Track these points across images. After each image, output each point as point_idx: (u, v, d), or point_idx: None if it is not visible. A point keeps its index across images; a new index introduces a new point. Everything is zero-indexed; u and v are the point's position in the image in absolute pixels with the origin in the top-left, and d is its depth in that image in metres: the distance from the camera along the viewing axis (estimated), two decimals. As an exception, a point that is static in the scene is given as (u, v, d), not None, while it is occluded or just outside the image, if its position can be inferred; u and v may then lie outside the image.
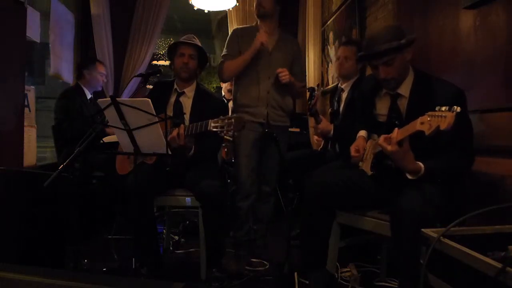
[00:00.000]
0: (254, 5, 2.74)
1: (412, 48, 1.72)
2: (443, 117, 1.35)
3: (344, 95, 2.64)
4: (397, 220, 1.54)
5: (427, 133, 1.40)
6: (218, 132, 2.00)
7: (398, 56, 1.69)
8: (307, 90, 3.13)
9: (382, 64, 1.72)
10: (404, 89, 1.76)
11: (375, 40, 1.72)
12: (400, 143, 1.53)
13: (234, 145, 2.84)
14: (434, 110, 1.39)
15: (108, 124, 1.97)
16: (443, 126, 1.34)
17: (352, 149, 1.87)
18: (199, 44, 2.48)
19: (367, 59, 1.81)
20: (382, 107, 1.86)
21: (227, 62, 2.70)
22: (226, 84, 4.27)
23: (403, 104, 1.77)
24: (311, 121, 2.60)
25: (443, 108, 1.36)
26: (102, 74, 3.43)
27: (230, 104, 3.96)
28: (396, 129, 1.56)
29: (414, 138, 1.51)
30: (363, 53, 1.77)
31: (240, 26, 3.12)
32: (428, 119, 1.40)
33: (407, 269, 1.52)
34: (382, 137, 1.59)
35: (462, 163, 1.65)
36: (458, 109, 1.34)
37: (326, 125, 2.55)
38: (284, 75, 2.57)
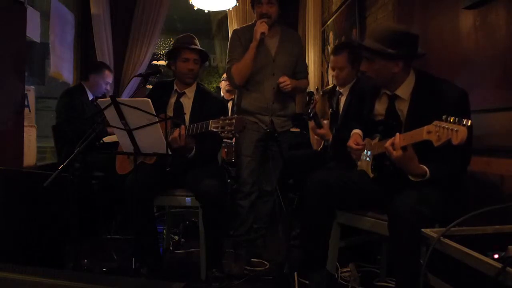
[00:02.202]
0: (256, 13, 2.64)
1: (406, 63, 1.70)
2: (454, 130, 1.29)
3: (343, 99, 2.64)
4: (394, 220, 1.54)
5: (436, 144, 1.36)
6: (219, 132, 2.00)
7: (380, 60, 1.69)
8: (306, 94, 3.11)
9: (364, 58, 1.76)
10: (403, 91, 1.74)
11: (372, 33, 1.75)
12: (404, 148, 1.52)
13: (236, 145, 2.83)
14: (441, 119, 1.34)
15: (108, 124, 1.97)
16: (456, 141, 1.29)
17: (352, 143, 1.86)
18: (200, 46, 2.47)
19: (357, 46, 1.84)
20: (379, 108, 1.86)
21: (234, 66, 2.62)
22: (225, 84, 4.26)
23: (402, 106, 1.76)
24: (311, 124, 2.58)
25: (451, 119, 1.31)
26: (107, 83, 3.40)
27: (229, 104, 3.96)
28: (398, 134, 1.55)
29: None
30: (359, 42, 1.82)
31: (239, 27, 3.09)
32: (436, 129, 1.35)
33: (404, 269, 1.51)
34: (389, 141, 1.57)
35: (462, 165, 1.64)
36: (469, 122, 1.28)
37: (326, 132, 2.53)
38: (286, 85, 2.53)
